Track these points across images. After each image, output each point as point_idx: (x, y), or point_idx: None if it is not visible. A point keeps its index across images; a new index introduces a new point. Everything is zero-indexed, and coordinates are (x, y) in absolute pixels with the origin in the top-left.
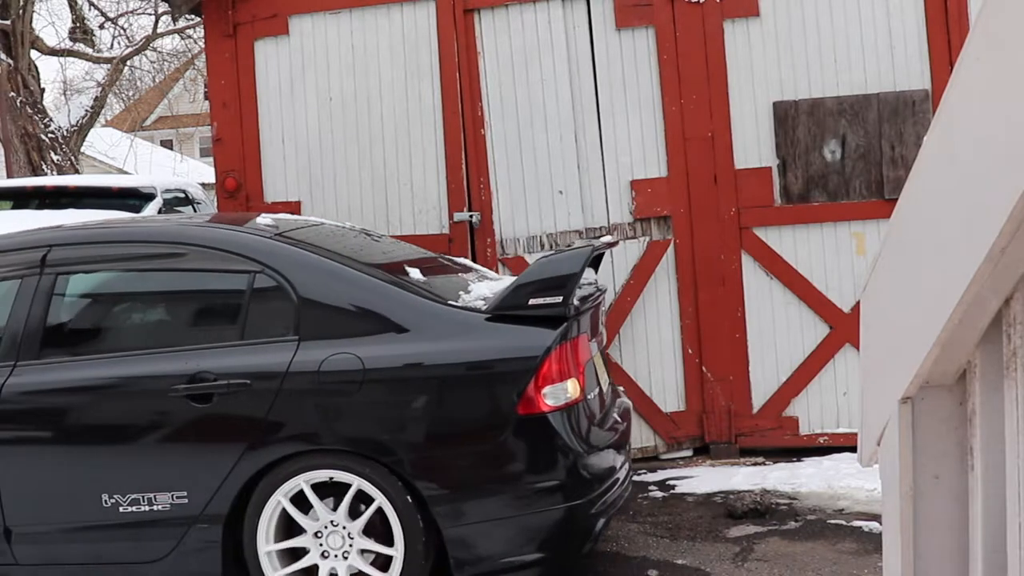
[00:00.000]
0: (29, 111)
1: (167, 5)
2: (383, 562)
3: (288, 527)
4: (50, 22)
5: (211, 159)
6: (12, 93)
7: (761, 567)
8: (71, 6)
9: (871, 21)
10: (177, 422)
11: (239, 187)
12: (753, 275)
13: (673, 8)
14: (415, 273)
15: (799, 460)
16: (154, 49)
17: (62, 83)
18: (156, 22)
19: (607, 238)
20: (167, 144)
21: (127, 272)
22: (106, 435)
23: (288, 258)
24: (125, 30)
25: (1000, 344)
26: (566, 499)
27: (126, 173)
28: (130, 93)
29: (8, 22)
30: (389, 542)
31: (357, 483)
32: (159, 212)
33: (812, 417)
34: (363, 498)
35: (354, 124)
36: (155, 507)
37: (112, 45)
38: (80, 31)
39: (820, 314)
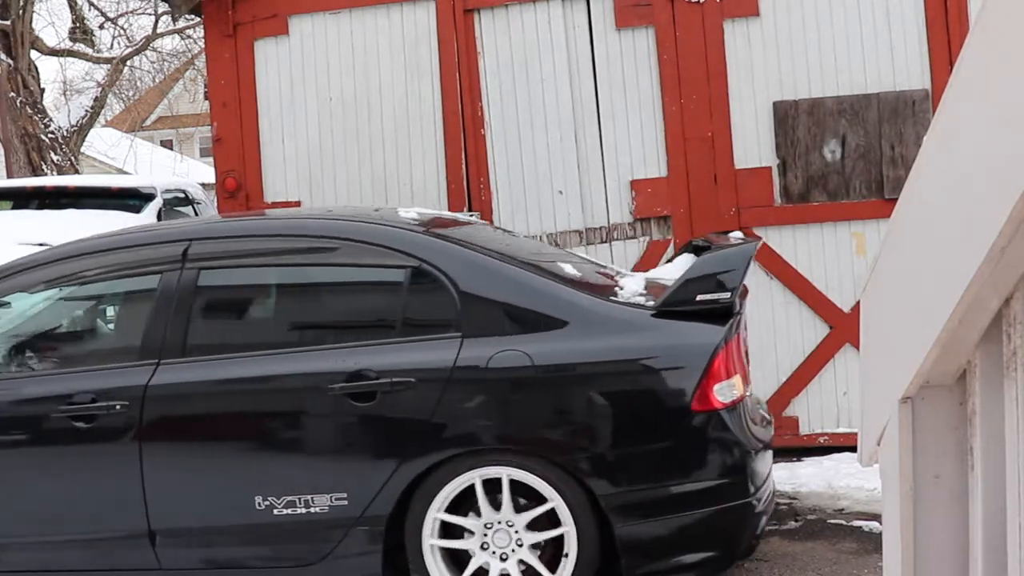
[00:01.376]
0: (29, 111)
1: (167, 5)
2: (548, 561)
3: (449, 528)
4: (50, 22)
5: (211, 159)
6: (12, 93)
7: (761, 567)
8: (71, 6)
9: (871, 21)
10: (336, 421)
11: (239, 187)
12: (753, 275)
13: (673, 8)
14: (569, 269)
15: (799, 460)
16: (154, 49)
17: (62, 83)
18: (156, 22)
19: (736, 234)
20: (167, 144)
21: (274, 267)
22: (258, 435)
23: (447, 253)
24: (125, 30)
25: (1000, 344)
26: (736, 497)
27: (126, 173)
28: (130, 93)
29: (8, 22)
30: (555, 541)
31: (533, 482)
32: (159, 212)
33: (812, 417)
34: (529, 496)
35: (354, 124)
36: (312, 509)
37: (112, 45)
38: (80, 31)
39: (820, 314)
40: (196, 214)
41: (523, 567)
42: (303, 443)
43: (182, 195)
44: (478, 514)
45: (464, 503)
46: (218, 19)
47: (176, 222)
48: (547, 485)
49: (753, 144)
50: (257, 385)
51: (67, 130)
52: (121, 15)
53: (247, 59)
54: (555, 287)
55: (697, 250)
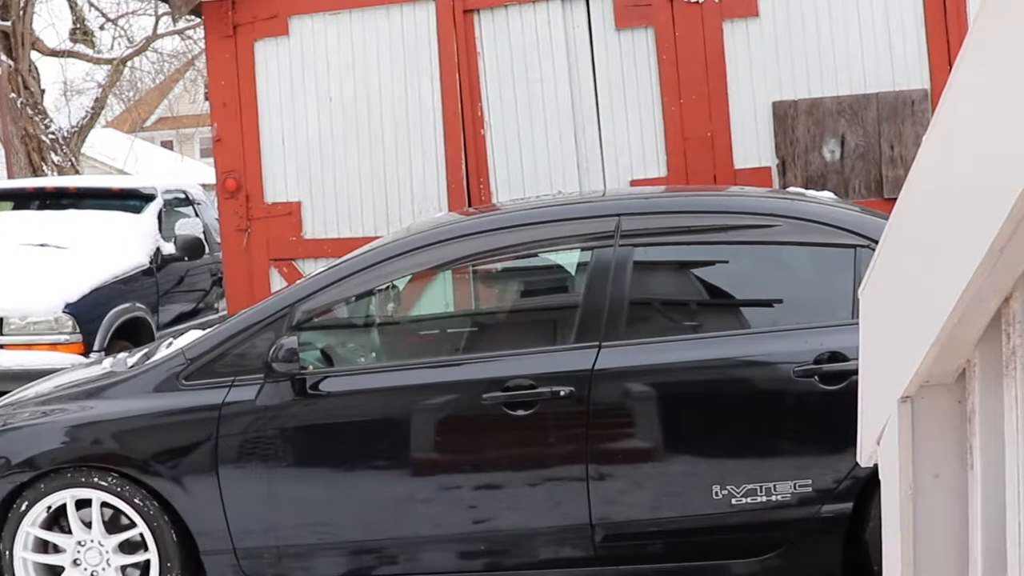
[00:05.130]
0: (30, 112)
1: (167, 6)
2: None
3: None
4: (50, 23)
5: (211, 159)
6: (13, 94)
7: None
8: (71, 7)
9: (870, 21)
10: (802, 404)
11: (239, 187)
12: None
13: (672, 8)
14: None
15: None
16: (154, 50)
17: (62, 84)
18: (156, 23)
19: None
20: (167, 145)
21: (714, 245)
22: (716, 421)
23: None
24: (125, 31)
25: (999, 343)
26: None
27: (126, 174)
28: (130, 94)
29: (8, 23)
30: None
31: None
32: (159, 213)
33: None
34: None
35: (354, 124)
36: (774, 497)
37: (112, 46)
38: (80, 32)
39: None
40: (197, 215)
41: None
42: (767, 428)
43: (183, 196)
44: None
45: None
46: (218, 20)
47: (596, 195)
48: None
49: (752, 144)
50: (711, 368)
51: (67, 131)
52: (121, 16)
53: (247, 60)
54: None
55: None
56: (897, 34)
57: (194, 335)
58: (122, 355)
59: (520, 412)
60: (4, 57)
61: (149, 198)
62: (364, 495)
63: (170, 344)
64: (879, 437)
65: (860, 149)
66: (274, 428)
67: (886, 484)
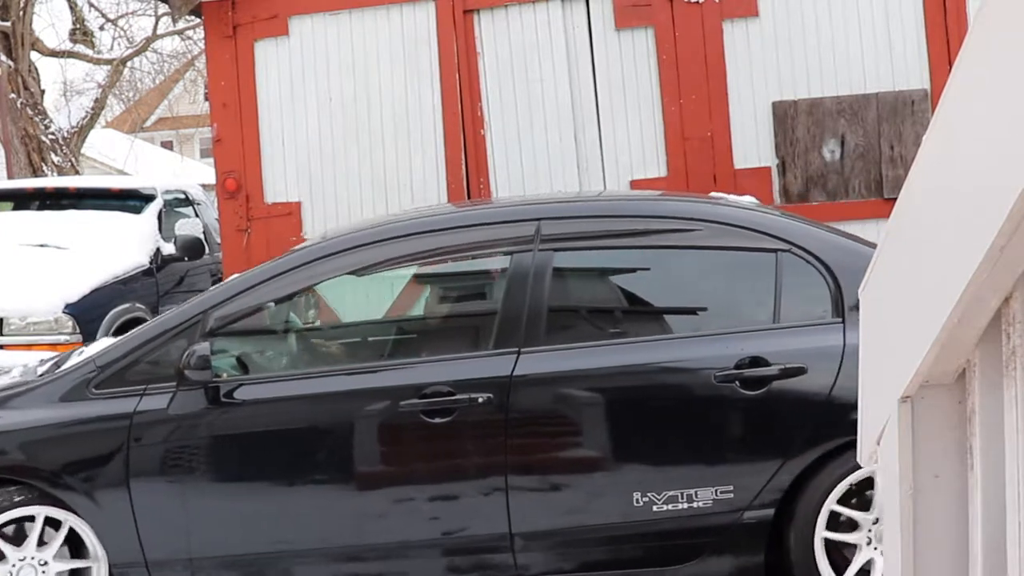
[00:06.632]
0: (29, 113)
1: (167, 6)
2: None
3: (834, 523)
4: (50, 24)
5: (211, 160)
6: (12, 95)
7: None
8: (71, 8)
9: (870, 21)
10: (722, 411)
11: (239, 188)
12: None
13: (672, 8)
14: None
15: None
16: (154, 50)
17: (62, 84)
18: (156, 23)
19: None
20: (167, 145)
21: (634, 250)
22: (636, 427)
23: (816, 237)
24: (125, 31)
25: (999, 343)
26: None
27: (126, 174)
28: (130, 94)
29: (8, 24)
30: None
31: None
32: (159, 214)
33: None
34: None
35: (354, 124)
36: (695, 504)
37: (112, 46)
38: (80, 32)
39: None
40: (197, 215)
41: None
42: (688, 434)
43: (183, 196)
44: (866, 508)
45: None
46: (218, 20)
47: (519, 199)
48: None
49: (752, 144)
50: (631, 374)
51: (67, 131)
52: (121, 16)
53: (247, 60)
54: None
55: None
56: (897, 34)
57: (106, 342)
58: (32, 363)
59: (438, 420)
60: (4, 57)
61: (149, 198)
62: (278, 506)
63: (81, 352)
64: (879, 437)
65: (860, 149)
66: (187, 438)
67: (886, 484)
